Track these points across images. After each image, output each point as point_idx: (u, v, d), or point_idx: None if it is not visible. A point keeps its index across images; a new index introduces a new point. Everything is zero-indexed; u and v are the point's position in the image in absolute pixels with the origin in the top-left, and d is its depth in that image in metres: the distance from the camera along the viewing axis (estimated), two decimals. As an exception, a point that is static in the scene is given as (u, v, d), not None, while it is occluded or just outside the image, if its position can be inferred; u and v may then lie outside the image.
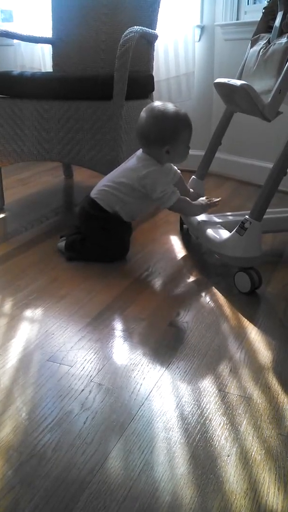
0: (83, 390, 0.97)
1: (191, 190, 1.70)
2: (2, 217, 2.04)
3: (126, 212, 1.56)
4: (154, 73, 2.20)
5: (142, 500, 0.73)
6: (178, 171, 1.63)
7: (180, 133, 1.49)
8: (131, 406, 0.93)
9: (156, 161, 1.51)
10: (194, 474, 0.78)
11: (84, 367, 1.04)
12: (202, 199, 1.62)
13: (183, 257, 1.64)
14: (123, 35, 1.77)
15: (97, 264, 1.54)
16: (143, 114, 1.52)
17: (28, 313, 1.27)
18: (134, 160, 1.56)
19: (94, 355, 1.09)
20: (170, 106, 1.51)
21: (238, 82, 1.40)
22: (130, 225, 1.62)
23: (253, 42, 1.54)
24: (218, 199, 1.60)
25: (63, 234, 1.67)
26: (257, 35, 1.53)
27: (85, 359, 1.07)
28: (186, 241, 1.77)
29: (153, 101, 2.16)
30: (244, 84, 1.35)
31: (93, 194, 1.57)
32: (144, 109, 1.53)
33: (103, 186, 1.57)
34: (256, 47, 1.50)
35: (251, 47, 1.54)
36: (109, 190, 1.54)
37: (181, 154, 1.54)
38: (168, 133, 1.48)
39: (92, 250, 1.57)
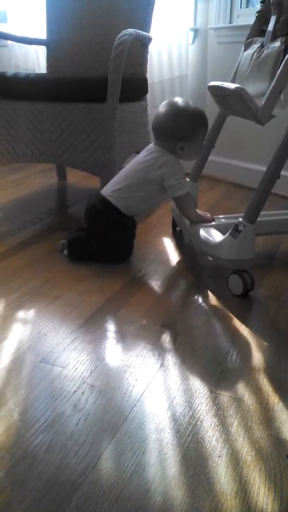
0: (75, 391, 0.97)
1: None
2: (-5, 218, 2.04)
3: (140, 207, 1.56)
4: (147, 76, 2.21)
5: (134, 500, 0.74)
6: None
7: (197, 132, 1.51)
8: (123, 408, 0.93)
9: (170, 153, 1.52)
10: (186, 475, 0.78)
11: (76, 369, 1.04)
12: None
13: (176, 259, 1.64)
14: (117, 37, 1.78)
15: (90, 265, 1.54)
16: (162, 107, 1.53)
17: (21, 314, 1.27)
18: (145, 154, 1.55)
19: (86, 356, 1.09)
20: (191, 104, 1.52)
21: (232, 86, 1.40)
22: (135, 228, 1.61)
23: (247, 46, 1.55)
24: (213, 218, 1.61)
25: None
26: (251, 39, 1.54)
27: (78, 361, 1.07)
28: (179, 243, 1.77)
29: (146, 104, 2.17)
30: (238, 87, 1.36)
31: (107, 193, 1.55)
32: (163, 103, 1.54)
33: (117, 185, 1.54)
34: (250, 51, 1.51)
35: (245, 50, 1.55)
36: (124, 189, 1.53)
37: (195, 152, 1.56)
38: (187, 130, 1.49)
39: (98, 250, 1.57)
